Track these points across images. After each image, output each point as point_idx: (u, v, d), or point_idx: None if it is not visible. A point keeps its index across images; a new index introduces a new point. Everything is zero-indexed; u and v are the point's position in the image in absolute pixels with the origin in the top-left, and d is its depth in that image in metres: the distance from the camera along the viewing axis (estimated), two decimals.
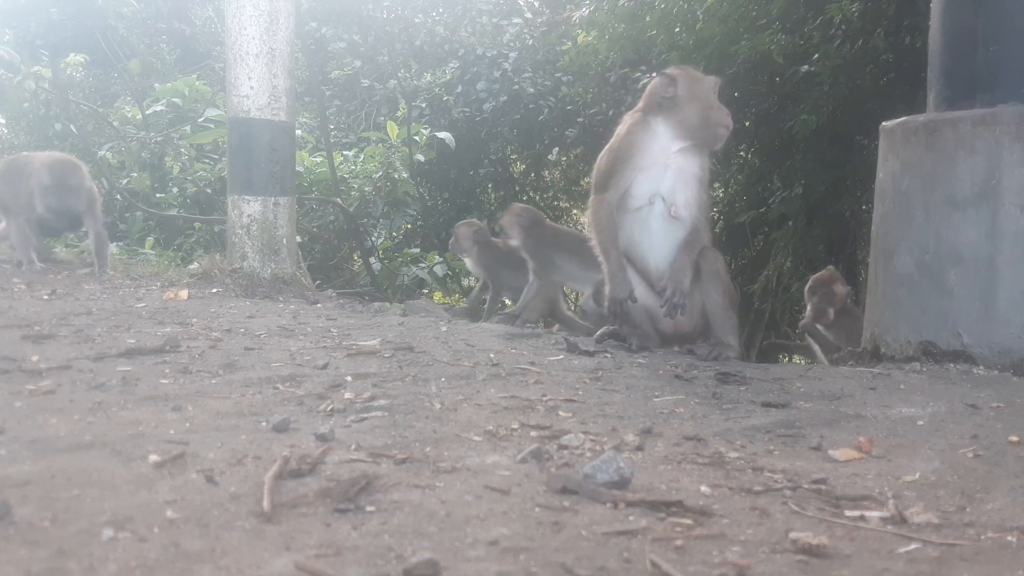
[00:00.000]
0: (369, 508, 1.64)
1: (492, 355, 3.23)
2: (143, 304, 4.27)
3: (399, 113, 10.41)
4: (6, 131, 11.43)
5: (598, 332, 3.94)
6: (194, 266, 5.56)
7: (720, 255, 3.80)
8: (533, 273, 5.68)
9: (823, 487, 1.90)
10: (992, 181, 3.47)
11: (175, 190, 8.31)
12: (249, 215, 5.48)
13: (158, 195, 8.37)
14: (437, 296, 9.71)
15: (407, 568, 1.37)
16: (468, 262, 6.39)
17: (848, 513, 1.75)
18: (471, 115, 11.58)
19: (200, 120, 8.54)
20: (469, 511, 1.65)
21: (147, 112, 9.02)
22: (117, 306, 4.15)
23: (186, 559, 1.40)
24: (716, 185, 11.09)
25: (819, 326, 5.49)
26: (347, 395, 2.52)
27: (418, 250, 9.30)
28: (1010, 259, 3.43)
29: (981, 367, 3.39)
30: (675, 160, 3.73)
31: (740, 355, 3.79)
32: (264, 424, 2.19)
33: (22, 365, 2.72)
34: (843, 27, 7.72)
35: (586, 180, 13.09)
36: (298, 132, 7.66)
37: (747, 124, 9.75)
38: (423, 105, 11.36)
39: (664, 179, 3.72)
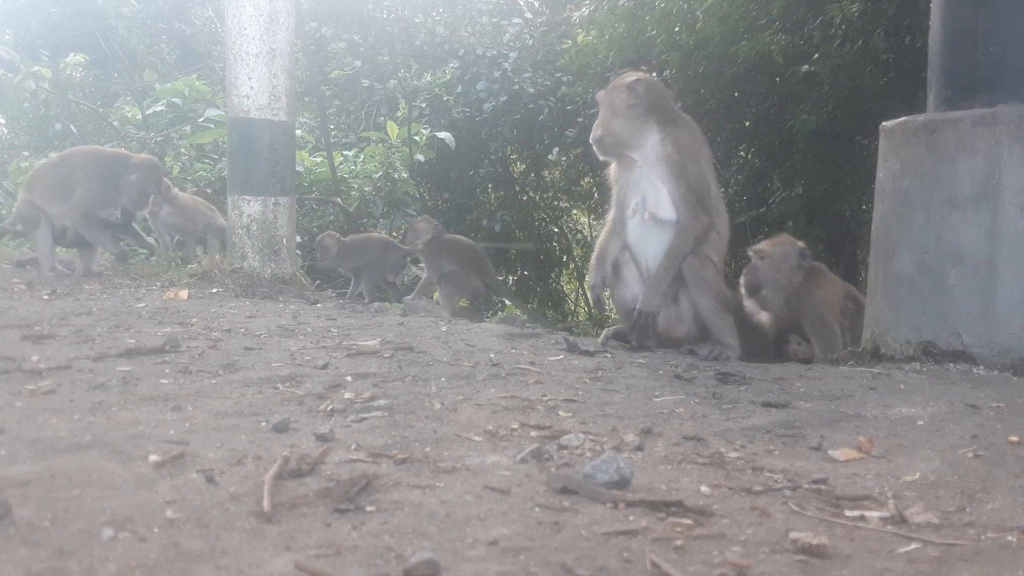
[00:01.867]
0: (369, 508, 1.64)
1: (492, 355, 3.23)
2: (143, 304, 4.27)
3: (399, 113, 10.41)
4: (6, 131, 11.43)
5: (603, 333, 4.04)
6: (193, 266, 5.57)
7: (706, 259, 3.78)
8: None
9: (823, 487, 1.90)
10: (992, 181, 3.47)
11: (175, 190, 8.31)
12: (249, 215, 5.48)
13: None
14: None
15: (407, 568, 1.37)
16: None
17: (848, 513, 1.75)
18: (471, 115, 11.58)
19: (200, 120, 8.55)
20: (469, 511, 1.65)
21: (147, 112, 9.02)
22: (117, 306, 4.15)
23: (186, 559, 1.40)
24: None
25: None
26: (347, 395, 2.52)
27: None
28: (1010, 259, 3.43)
29: (981, 367, 3.39)
30: (646, 166, 3.81)
31: (741, 355, 3.79)
32: (264, 424, 2.19)
33: (22, 365, 2.72)
34: (843, 27, 7.72)
35: (587, 180, 13.10)
36: (298, 132, 7.66)
37: (747, 124, 9.75)
38: (423, 105, 11.36)
39: (639, 187, 3.82)
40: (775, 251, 4.62)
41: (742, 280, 4.68)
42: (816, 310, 4.50)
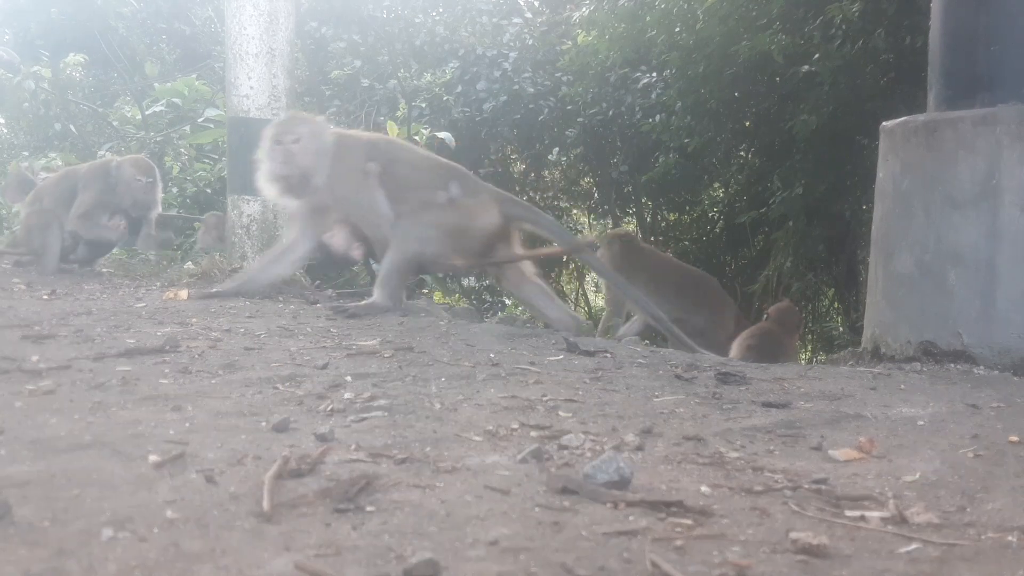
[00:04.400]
0: (369, 508, 1.64)
1: (492, 355, 3.23)
2: (143, 304, 4.27)
3: (399, 113, 10.39)
4: (6, 131, 11.42)
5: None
6: (189, 265, 5.58)
7: None
8: None
9: (823, 487, 1.90)
10: (992, 181, 3.47)
11: (175, 190, 8.30)
12: (249, 215, 5.48)
13: None
14: (437, 296, 9.70)
15: (407, 568, 1.37)
16: None
17: (848, 513, 1.75)
18: (471, 115, 11.57)
19: (200, 120, 8.54)
20: (469, 511, 1.65)
21: (147, 112, 9.01)
22: (117, 306, 4.15)
23: (186, 559, 1.40)
24: (716, 185, 11.11)
25: None
26: (347, 395, 2.52)
27: None
28: (1010, 259, 3.43)
29: (981, 367, 3.39)
30: None
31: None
32: (264, 424, 2.19)
33: (22, 365, 2.72)
34: (843, 27, 7.71)
35: (587, 180, 13.08)
36: None
37: (747, 124, 9.74)
38: (423, 105, 11.34)
39: None
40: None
41: None
42: None
